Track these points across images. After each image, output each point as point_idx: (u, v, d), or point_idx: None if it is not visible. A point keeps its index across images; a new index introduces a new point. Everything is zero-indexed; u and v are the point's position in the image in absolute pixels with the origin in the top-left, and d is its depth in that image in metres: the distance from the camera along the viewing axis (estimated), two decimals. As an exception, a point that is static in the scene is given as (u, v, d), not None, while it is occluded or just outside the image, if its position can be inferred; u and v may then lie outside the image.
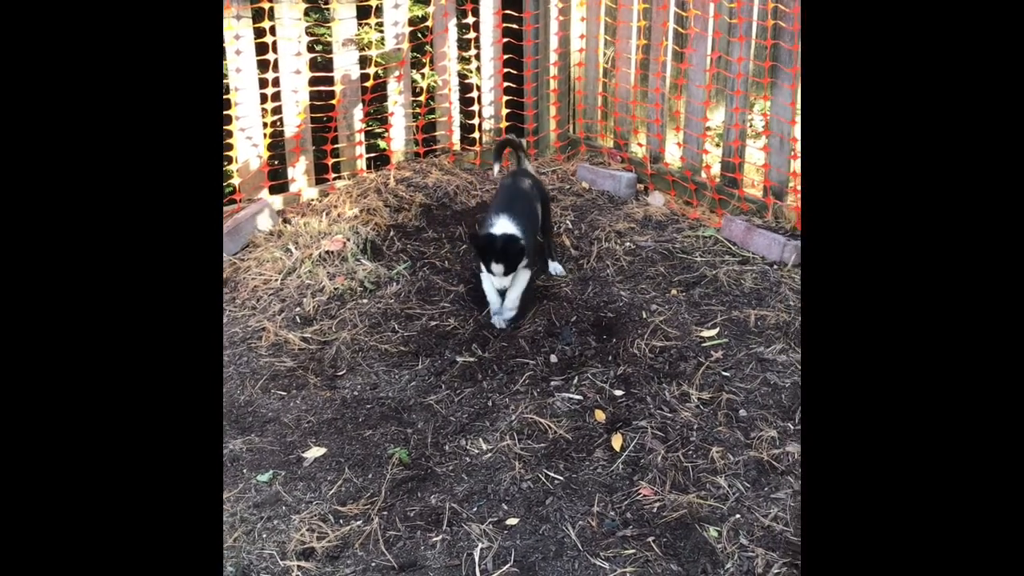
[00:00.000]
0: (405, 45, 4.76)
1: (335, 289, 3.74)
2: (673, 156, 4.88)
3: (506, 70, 5.11)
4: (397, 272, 3.89)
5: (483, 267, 3.42)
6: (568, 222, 4.39)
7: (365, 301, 3.70)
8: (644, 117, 4.85)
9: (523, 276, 3.49)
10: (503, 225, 3.40)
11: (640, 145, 4.94)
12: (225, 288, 3.88)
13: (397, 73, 4.78)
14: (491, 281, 3.44)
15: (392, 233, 4.26)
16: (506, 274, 3.36)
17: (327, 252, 3.98)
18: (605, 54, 5.04)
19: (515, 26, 5.09)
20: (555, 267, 3.89)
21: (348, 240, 4.06)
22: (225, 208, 4.42)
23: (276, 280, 3.87)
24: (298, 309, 3.65)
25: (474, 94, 5.14)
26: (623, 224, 4.37)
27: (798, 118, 4.14)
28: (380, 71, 4.73)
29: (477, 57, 5.11)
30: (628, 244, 4.15)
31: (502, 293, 3.50)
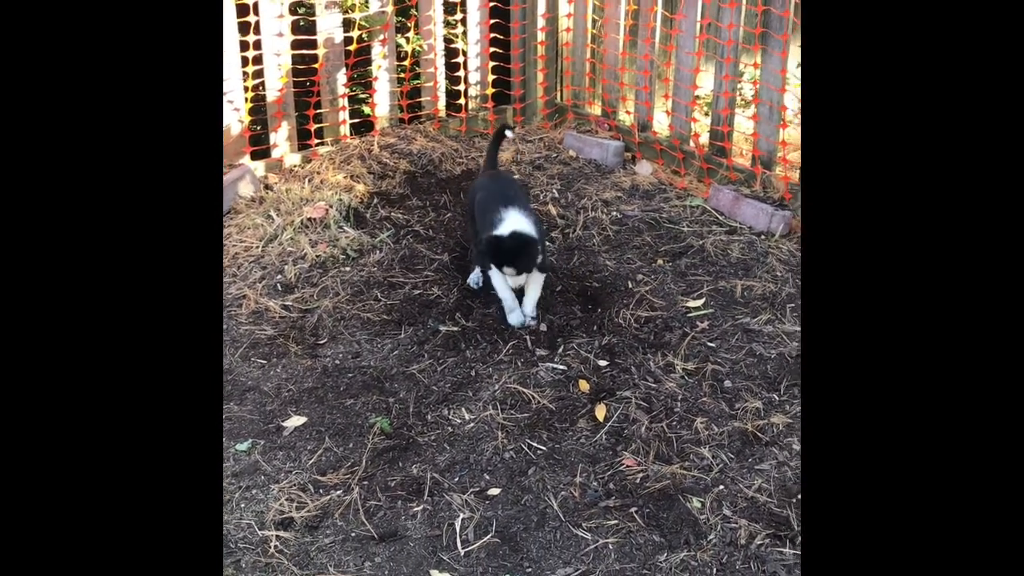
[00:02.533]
0: (389, 8, 4.67)
1: (317, 257, 3.68)
2: (661, 124, 4.82)
3: (492, 35, 5.02)
4: (380, 240, 3.83)
5: (494, 267, 3.17)
6: (554, 191, 4.34)
7: (347, 269, 3.65)
8: (632, 84, 4.78)
9: (539, 278, 3.27)
10: (514, 221, 3.12)
11: (628, 113, 4.87)
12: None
13: (381, 37, 4.69)
14: (505, 280, 3.20)
15: (376, 200, 4.19)
16: (518, 275, 3.13)
17: (309, 219, 3.92)
18: (594, 19, 4.95)
19: (502, -10, 4.99)
20: None
21: (331, 207, 3.99)
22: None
23: (257, 247, 3.80)
24: (279, 277, 3.58)
25: (460, 59, 5.05)
26: (610, 193, 4.32)
27: (788, 86, 4.09)
28: (364, 35, 4.64)
29: (463, 22, 5.01)
30: (615, 213, 4.10)
31: (518, 292, 3.29)
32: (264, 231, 3.90)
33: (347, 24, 4.59)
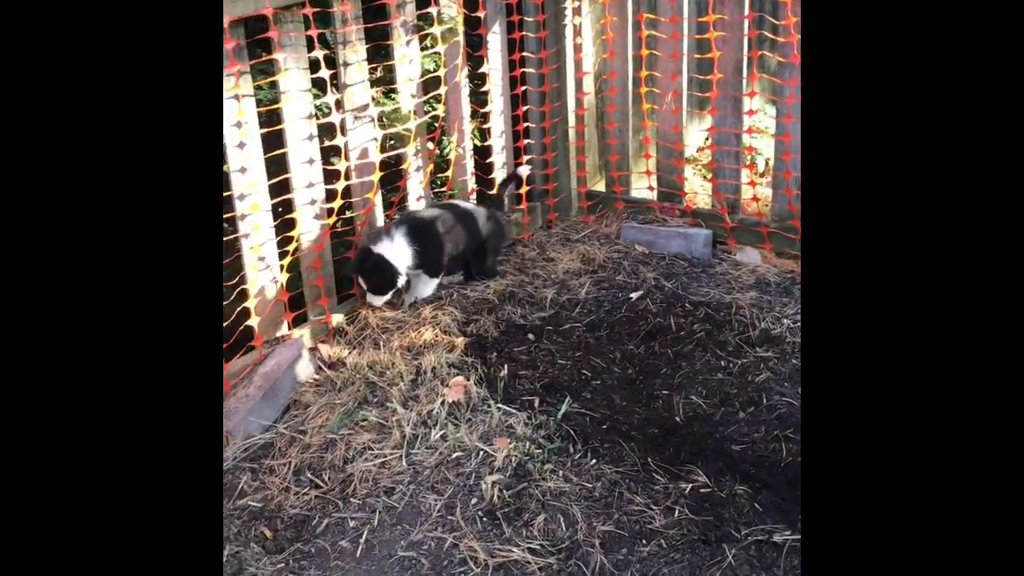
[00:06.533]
0: (436, 111, 3.77)
1: (506, 459, 2.69)
2: (753, 201, 4.17)
3: (515, 129, 4.23)
4: (563, 413, 2.90)
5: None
6: (687, 303, 3.59)
7: (550, 466, 2.66)
8: (718, 162, 4.13)
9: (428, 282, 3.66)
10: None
11: (718, 196, 4.19)
12: (325, 487, 2.70)
13: (416, 151, 3.77)
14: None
15: (493, 355, 3.26)
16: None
17: (454, 402, 2.92)
18: (649, 89, 4.19)
19: (529, 69, 4.21)
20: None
21: (469, 380, 3.02)
22: (242, 359, 3.22)
23: (398, 457, 2.75)
24: (475, 501, 2.57)
25: (489, 160, 4.20)
26: (741, 294, 3.64)
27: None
28: (401, 147, 3.72)
29: (486, 117, 4.16)
30: (786, 321, 3.41)
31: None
32: (386, 431, 2.85)
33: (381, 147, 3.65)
